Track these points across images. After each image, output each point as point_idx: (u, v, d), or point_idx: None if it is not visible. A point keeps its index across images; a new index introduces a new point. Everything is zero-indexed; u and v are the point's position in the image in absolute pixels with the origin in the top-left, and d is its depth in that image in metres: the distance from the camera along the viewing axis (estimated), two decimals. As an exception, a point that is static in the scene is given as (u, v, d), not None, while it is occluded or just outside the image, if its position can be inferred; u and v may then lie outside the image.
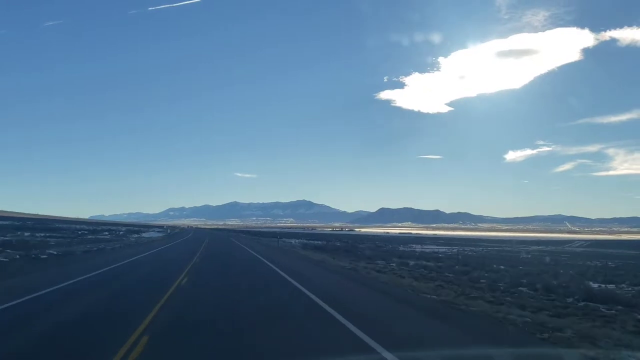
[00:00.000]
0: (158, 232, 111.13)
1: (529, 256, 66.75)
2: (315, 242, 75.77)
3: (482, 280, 20.83)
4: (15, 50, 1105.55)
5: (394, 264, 29.80)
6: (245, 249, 38.86)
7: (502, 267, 34.43)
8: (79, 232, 73.60)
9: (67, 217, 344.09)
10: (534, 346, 8.03)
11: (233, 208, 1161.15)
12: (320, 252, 40.83)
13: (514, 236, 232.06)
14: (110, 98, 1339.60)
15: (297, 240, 74.82)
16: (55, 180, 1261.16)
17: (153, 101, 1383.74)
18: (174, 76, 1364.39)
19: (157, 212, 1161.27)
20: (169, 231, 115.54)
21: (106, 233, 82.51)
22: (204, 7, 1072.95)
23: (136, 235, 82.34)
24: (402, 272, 22.64)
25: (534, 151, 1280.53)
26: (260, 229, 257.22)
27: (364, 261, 29.72)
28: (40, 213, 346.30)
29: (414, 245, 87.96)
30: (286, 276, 18.86)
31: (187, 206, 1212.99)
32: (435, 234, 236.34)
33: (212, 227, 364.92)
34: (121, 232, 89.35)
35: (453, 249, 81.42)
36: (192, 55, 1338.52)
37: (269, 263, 25.69)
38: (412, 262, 31.80)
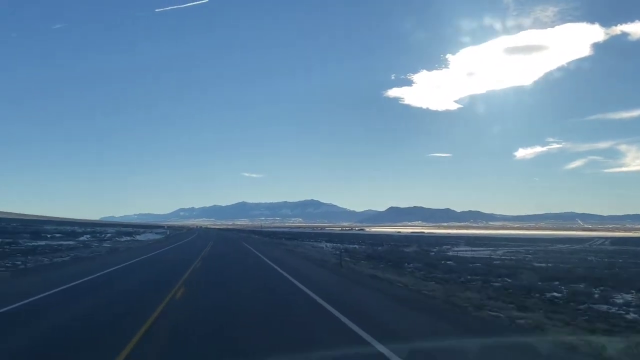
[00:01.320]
0: (156, 233, 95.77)
1: (595, 259, 50.85)
2: (350, 245, 58.94)
3: None
4: (23, 47, 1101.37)
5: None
6: (286, 278, 17.61)
7: None
8: (48, 236, 57.58)
9: (74, 219, 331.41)
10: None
11: (241, 208, 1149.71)
12: (392, 269, 23.60)
13: (532, 234, 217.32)
14: (120, 97, 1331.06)
15: (327, 244, 58.06)
16: (70, 182, 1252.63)
17: (163, 101, 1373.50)
18: (182, 75, 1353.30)
19: (167, 212, 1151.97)
20: (168, 232, 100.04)
21: (87, 236, 66.90)
22: (213, 4, 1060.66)
23: (128, 238, 66.86)
24: None
25: (544, 148, 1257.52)
26: (270, 229, 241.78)
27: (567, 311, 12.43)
28: (46, 214, 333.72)
29: (454, 248, 71.96)
30: None
31: (196, 206, 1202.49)
32: (449, 233, 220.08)
33: (221, 227, 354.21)
34: (108, 235, 73.48)
35: (498, 250, 65.84)
36: (201, 53, 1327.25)
37: None
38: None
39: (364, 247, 58.13)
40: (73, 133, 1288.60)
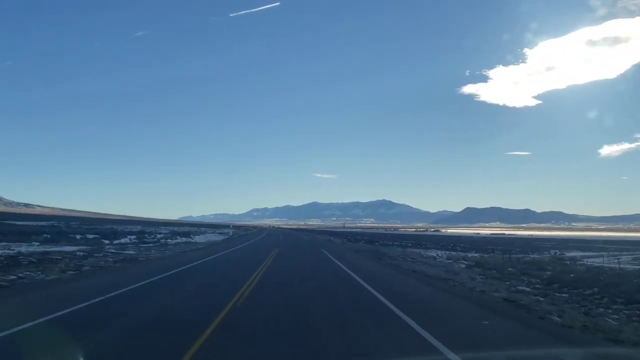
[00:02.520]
0: (219, 234, 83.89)
1: None
2: (469, 254, 41.68)
3: None
4: (106, 55, 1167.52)
5: None
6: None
7: None
8: (77, 237, 45.50)
9: (152, 219, 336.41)
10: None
11: (313, 208, 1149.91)
12: None
13: (628, 237, 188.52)
14: (199, 101, 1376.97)
15: (440, 252, 41.20)
16: (153, 183, 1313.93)
17: (238, 105, 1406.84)
18: (256, 79, 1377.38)
19: (242, 212, 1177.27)
20: (231, 233, 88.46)
21: (131, 237, 55.07)
22: (283, 9, 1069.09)
23: (180, 240, 54.57)
24: None
25: (632, 145, 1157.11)
26: (346, 230, 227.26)
27: None
28: (127, 214, 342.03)
29: (566, 253, 54.09)
30: None
31: (269, 206, 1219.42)
32: (532, 235, 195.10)
33: (293, 227, 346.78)
34: (158, 236, 61.42)
35: (620, 256, 46.35)
36: (272, 56, 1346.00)
37: None
38: None
39: (469, 254, 40.77)
40: (156, 137, 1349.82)
